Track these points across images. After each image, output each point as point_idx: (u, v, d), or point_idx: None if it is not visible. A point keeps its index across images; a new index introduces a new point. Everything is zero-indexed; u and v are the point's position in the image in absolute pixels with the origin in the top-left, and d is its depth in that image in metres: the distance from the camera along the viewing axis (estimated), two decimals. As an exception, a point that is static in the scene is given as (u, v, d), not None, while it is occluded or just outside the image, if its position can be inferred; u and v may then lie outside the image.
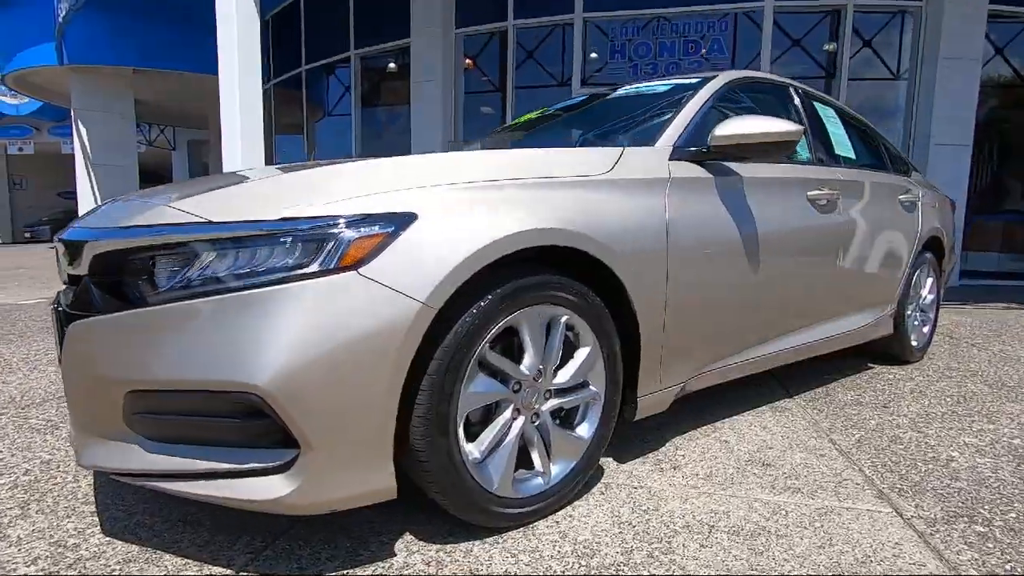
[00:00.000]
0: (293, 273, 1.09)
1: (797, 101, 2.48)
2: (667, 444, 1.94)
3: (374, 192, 1.19)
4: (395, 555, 1.28)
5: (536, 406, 1.43)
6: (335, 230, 1.11)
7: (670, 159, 1.76)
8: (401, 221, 1.16)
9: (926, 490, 1.62)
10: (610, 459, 1.81)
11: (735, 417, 2.21)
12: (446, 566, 1.24)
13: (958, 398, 2.50)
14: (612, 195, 1.54)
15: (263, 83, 11.97)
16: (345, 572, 1.21)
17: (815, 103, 2.61)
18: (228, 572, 1.21)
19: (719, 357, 1.93)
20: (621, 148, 1.68)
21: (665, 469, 1.74)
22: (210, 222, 1.13)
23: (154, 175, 15.99)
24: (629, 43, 7.65)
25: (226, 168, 5.73)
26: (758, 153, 1.80)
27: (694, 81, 2.15)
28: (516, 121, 2.92)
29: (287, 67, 11.08)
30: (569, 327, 1.46)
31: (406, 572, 1.21)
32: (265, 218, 1.12)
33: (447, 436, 1.22)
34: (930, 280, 3.23)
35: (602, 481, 1.66)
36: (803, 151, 2.41)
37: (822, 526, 1.42)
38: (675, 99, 2.04)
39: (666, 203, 1.65)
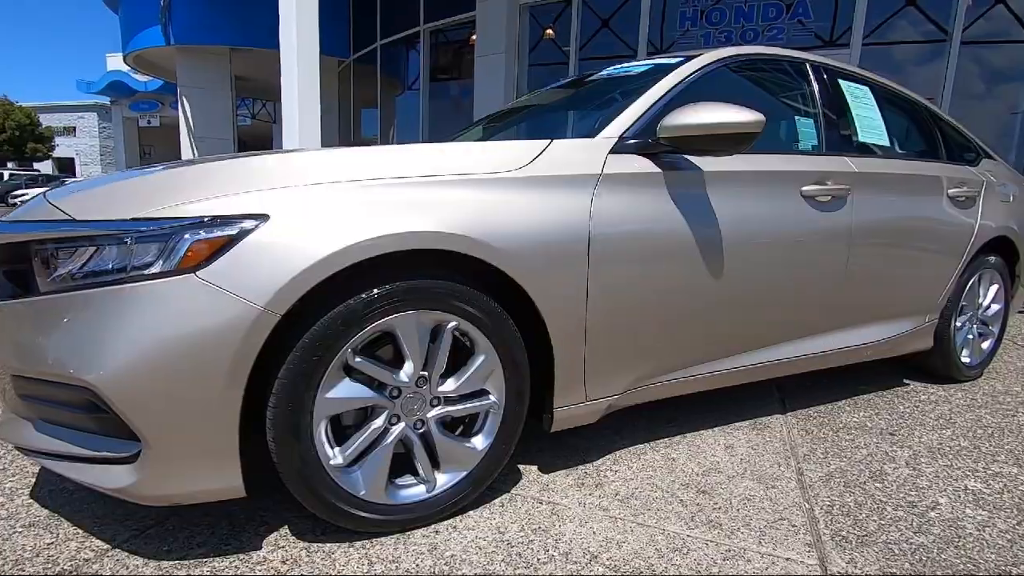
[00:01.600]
0: (134, 274, 1.11)
1: (813, 80, 2.17)
2: (607, 456, 1.82)
3: (233, 192, 1.18)
4: (259, 549, 1.30)
5: (420, 413, 1.38)
6: (176, 232, 1.12)
7: (612, 152, 1.61)
8: (248, 223, 1.14)
9: (875, 543, 1.41)
10: (535, 467, 1.74)
11: (704, 431, 2.03)
12: (300, 565, 1.25)
13: (993, 431, 2.14)
14: (521, 194, 1.43)
15: (345, 58, 12.42)
16: (205, 560, 1.26)
17: (842, 81, 2.27)
18: (105, 546, 1.29)
19: (670, 369, 1.77)
20: (548, 141, 1.55)
21: (586, 485, 1.64)
22: (73, 220, 1.17)
23: (259, 146, 17.25)
24: (703, 10, 7.09)
25: (284, 143, 6.03)
26: (713, 145, 1.59)
27: (673, 61, 1.93)
28: (506, 108, 2.79)
29: (365, 42, 11.40)
30: (464, 333, 1.40)
31: (259, 568, 1.24)
32: (119, 218, 1.15)
33: (300, 440, 1.22)
34: (995, 288, 2.76)
35: (511, 491, 1.59)
36: (807, 140, 2.11)
37: (717, 573, 1.27)
38: (644, 83, 1.85)
39: (593, 201, 1.51)
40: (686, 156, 1.71)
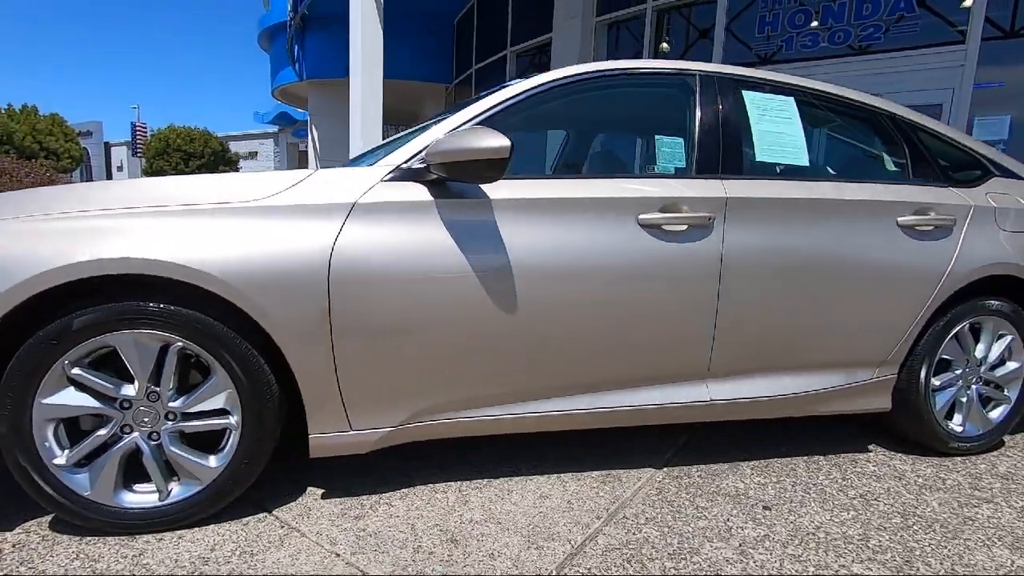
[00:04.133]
0: None
1: (699, 95, 1.92)
2: (401, 490, 1.77)
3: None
4: (11, 530, 1.49)
5: (154, 426, 1.48)
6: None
7: (385, 180, 1.59)
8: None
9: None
10: (322, 490, 1.75)
11: (538, 476, 1.88)
12: (23, 550, 1.41)
13: (916, 524, 1.69)
14: (258, 223, 1.47)
15: (448, 84, 13.18)
16: (-35, 533, 1.47)
17: (750, 93, 1.97)
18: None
19: (465, 407, 1.68)
20: (312, 170, 1.58)
21: (347, 516, 1.61)
22: None
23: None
24: (775, 15, 6.48)
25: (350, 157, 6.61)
26: (468, 172, 1.50)
27: (511, 83, 1.84)
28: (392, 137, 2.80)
29: (463, 68, 12.02)
30: (197, 355, 1.48)
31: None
32: None
33: (19, 438, 1.38)
34: (1005, 340, 2.17)
35: (273, 511, 1.62)
36: (669, 161, 1.87)
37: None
38: (461, 109, 1.79)
39: (342, 230, 1.51)
40: (478, 184, 1.63)
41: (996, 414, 2.22)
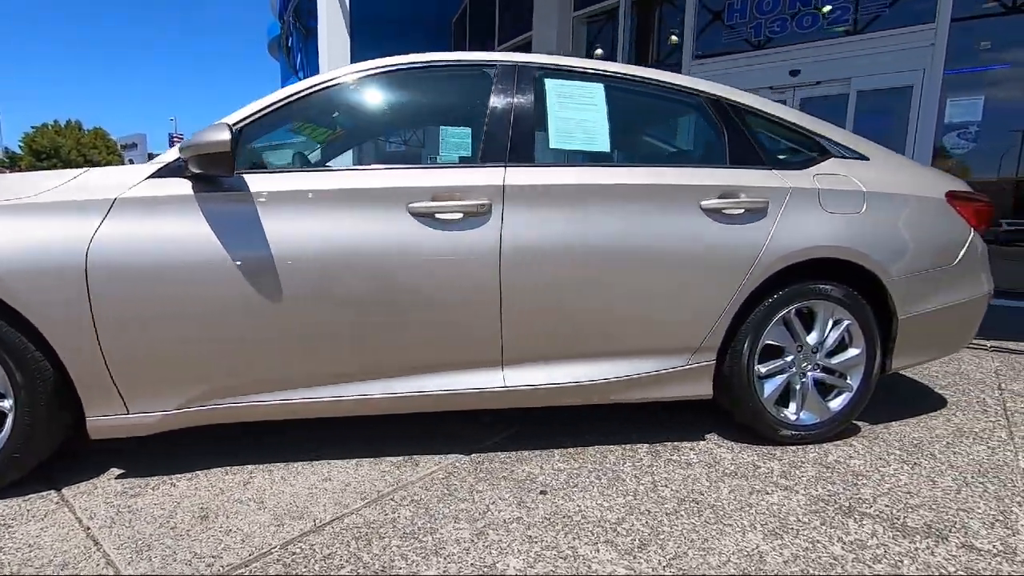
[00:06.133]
0: None
1: (496, 84, 1.93)
2: (194, 472, 1.85)
3: None
4: None
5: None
6: None
7: (153, 177, 1.68)
8: None
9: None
10: (118, 471, 1.85)
11: (337, 460, 1.93)
12: None
13: (681, 511, 1.67)
14: (26, 218, 1.59)
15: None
16: None
17: (552, 81, 1.98)
18: None
19: (244, 392, 1.75)
20: (85, 170, 1.69)
21: (126, 494, 1.71)
22: None
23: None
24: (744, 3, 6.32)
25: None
26: (206, 165, 1.58)
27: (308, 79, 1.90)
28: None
29: (459, 69, 12.13)
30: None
31: None
32: None
33: None
34: (842, 325, 2.09)
35: (44, 492, 1.72)
36: (454, 151, 1.90)
37: (47, 591, 1.28)
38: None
39: (102, 225, 1.60)
40: (245, 176, 1.70)
41: (837, 403, 2.15)
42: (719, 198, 1.95)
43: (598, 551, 1.46)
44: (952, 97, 5.32)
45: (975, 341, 3.80)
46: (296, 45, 13.02)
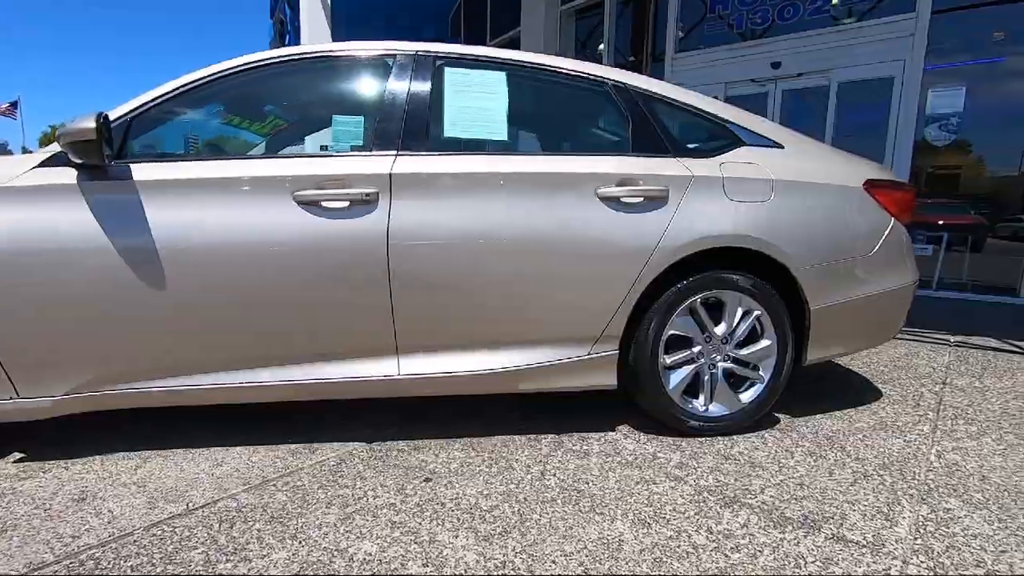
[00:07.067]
0: None
1: (395, 73, 1.94)
2: (105, 456, 1.89)
3: None
4: None
5: None
6: None
7: (41, 165, 1.71)
8: None
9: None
10: (21, 454, 1.89)
11: (236, 448, 1.95)
12: None
13: (558, 500, 1.66)
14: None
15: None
16: None
17: (452, 70, 1.97)
18: None
19: (135, 379, 1.77)
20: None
21: (15, 479, 1.74)
22: None
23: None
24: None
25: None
26: (78, 154, 1.60)
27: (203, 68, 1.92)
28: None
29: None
30: None
31: None
32: None
33: None
34: (752, 315, 2.06)
35: (-45, 472, 1.78)
36: (346, 140, 1.90)
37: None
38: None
39: (-14, 213, 1.64)
40: (131, 165, 1.73)
41: (748, 395, 2.12)
42: (617, 186, 1.93)
43: (457, 536, 1.46)
44: (934, 88, 5.20)
45: (938, 336, 3.72)
46: (292, 43, 13.12)
